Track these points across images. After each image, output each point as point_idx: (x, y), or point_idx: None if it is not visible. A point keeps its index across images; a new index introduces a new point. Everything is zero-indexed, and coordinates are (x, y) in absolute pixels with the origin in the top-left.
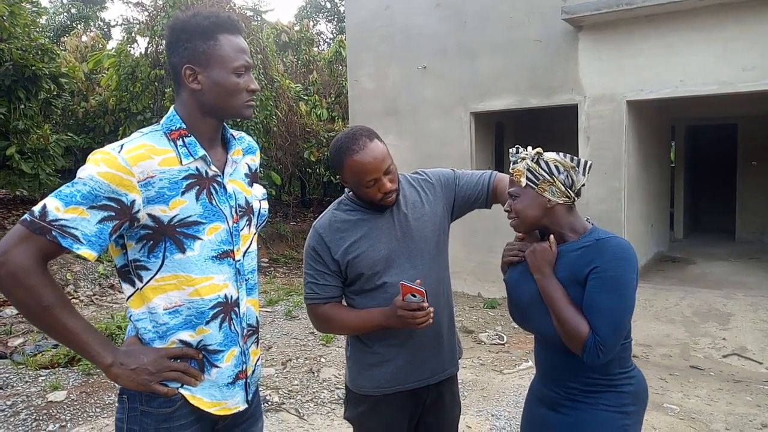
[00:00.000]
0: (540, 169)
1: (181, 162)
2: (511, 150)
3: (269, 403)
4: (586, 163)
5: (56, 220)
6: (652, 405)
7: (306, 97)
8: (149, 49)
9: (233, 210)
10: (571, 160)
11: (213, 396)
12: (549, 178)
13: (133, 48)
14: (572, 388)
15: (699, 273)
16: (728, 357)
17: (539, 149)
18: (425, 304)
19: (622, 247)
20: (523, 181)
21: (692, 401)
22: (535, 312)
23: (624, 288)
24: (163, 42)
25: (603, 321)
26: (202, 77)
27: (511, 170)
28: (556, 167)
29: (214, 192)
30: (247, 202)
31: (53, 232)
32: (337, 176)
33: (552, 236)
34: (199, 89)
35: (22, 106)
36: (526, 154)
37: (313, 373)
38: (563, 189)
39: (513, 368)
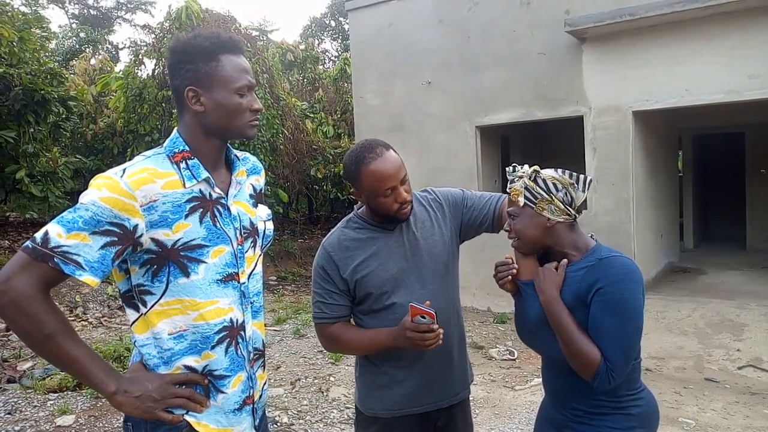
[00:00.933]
0: (537, 188)
1: (184, 185)
2: (507, 168)
3: (278, 424)
4: (585, 179)
5: (58, 246)
6: (667, 420)
7: (312, 115)
8: (156, 71)
9: (238, 232)
10: (570, 176)
11: (219, 422)
12: (547, 196)
13: (141, 70)
14: (577, 410)
15: (711, 283)
16: (743, 368)
17: (536, 167)
18: (435, 326)
19: (626, 267)
20: (521, 201)
21: (708, 415)
22: (541, 334)
23: (630, 311)
24: None
25: (612, 346)
26: (205, 98)
27: (508, 189)
28: (554, 185)
29: (218, 214)
30: (251, 223)
31: (55, 259)
32: (351, 191)
33: (564, 260)
34: (201, 111)
35: (32, 130)
36: (523, 173)
37: (323, 392)
38: (562, 207)
39: (525, 384)
